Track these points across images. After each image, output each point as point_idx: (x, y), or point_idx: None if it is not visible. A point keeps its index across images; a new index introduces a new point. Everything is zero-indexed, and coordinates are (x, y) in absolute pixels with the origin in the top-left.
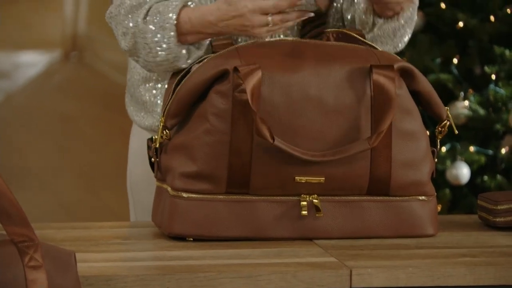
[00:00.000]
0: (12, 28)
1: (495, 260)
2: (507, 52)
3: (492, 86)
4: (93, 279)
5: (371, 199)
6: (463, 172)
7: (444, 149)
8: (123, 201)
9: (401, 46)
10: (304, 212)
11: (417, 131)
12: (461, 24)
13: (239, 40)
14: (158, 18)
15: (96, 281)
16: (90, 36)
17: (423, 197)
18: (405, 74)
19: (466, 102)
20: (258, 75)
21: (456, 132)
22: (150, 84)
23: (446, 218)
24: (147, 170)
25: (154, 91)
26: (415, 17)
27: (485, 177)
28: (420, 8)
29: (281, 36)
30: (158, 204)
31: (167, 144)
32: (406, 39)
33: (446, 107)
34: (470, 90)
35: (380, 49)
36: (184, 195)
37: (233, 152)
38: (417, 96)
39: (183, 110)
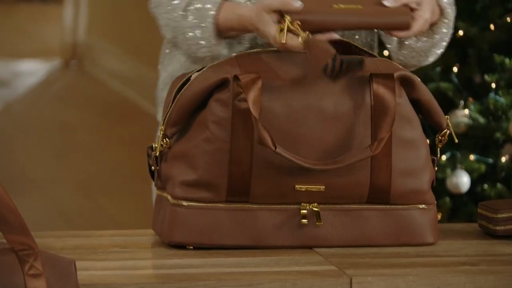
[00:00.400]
0: (12, 37)
1: (495, 268)
2: (507, 60)
3: (492, 94)
4: (93, 287)
5: (371, 208)
6: (463, 180)
7: (444, 157)
8: (122, 209)
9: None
10: (304, 221)
11: (417, 139)
12: (461, 32)
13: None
14: (197, 14)
15: None
16: (90, 44)
17: (423, 206)
18: (405, 83)
19: (466, 111)
20: (258, 84)
21: (456, 140)
22: None
23: (446, 227)
24: None
25: None
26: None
27: (485, 186)
28: None
29: None
30: (158, 213)
31: (167, 152)
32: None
33: (446, 116)
34: (470, 99)
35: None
36: (184, 203)
37: (233, 161)
38: (417, 104)
39: (183, 119)
